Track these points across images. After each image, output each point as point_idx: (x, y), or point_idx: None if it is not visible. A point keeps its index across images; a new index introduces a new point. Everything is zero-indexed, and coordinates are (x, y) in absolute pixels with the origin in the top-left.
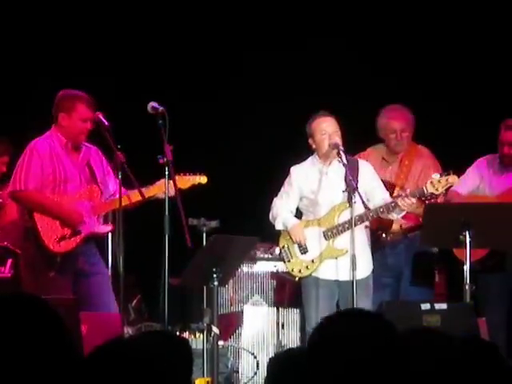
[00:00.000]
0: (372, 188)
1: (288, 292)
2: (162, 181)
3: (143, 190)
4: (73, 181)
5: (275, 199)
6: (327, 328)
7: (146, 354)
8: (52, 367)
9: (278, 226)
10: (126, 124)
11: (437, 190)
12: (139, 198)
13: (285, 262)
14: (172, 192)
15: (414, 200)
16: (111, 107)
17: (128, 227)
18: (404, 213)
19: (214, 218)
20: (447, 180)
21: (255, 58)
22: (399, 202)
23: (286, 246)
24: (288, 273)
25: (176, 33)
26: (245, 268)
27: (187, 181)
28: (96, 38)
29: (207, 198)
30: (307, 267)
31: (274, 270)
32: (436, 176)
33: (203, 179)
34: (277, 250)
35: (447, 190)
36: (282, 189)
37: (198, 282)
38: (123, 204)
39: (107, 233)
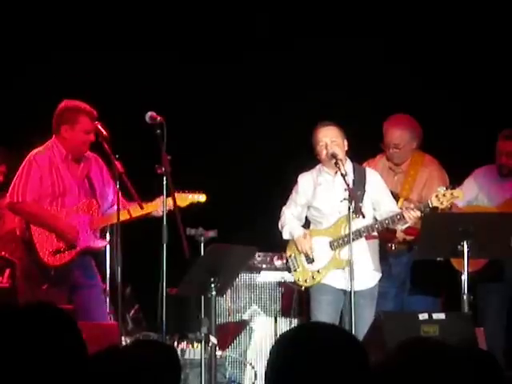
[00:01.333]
0: (379, 199)
1: (296, 301)
2: (160, 198)
3: (144, 204)
4: (71, 194)
5: (284, 208)
6: (288, 343)
7: (135, 363)
8: (67, 371)
9: (285, 236)
10: (125, 134)
11: (441, 203)
12: (139, 213)
13: (291, 271)
14: (170, 205)
15: (419, 213)
16: (109, 117)
17: (126, 237)
18: (408, 225)
19: (212, 228)
20: (452, 194)
21: (254, 65)
22: (405, 214)
23: (292, 255)
24: (294, 282)
25: (173, 41)
26: (243, 278)
27: (186, 199)
28: (94, 47)
29: (205, 207)
30: (313, 277)
31: (281, 280)
32: (441, 189)
33: (202, 198)
34: (276, 261)
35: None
36: (290, 197)
37: (195, 292)
38: (123, 218)
39: (102, 248)
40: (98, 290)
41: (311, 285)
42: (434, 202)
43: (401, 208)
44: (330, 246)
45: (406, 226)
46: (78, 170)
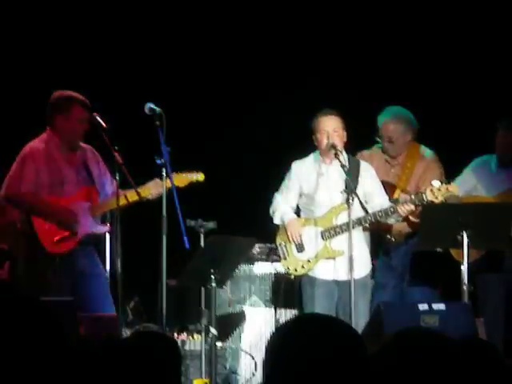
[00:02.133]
0: (372, 191)
1: (283, 291)
2: (155, 180)
3: (139, 189)
4: (70, 182)
5: (276, 193)
6: (286, 331)
7: (136, 355)
8: (48, 367)
9: (276, 221)
10: (124, 125)
11: (436, 198)
12: (136, 197)
13: (280, 259)
14: (160, 189)
15: (413, 207)
16: (108, 108)
17: (125, 228)
18: (401, 219)
19: (212, 219)
20: (447, 189)
21: (253, 54)
22: (399, 208)
23: (282, 243)
24: (285, 273)
25: (173, 33)
26: (243, 269)
27: (184, 179)
28: (93, 39)
29: (205, 199)
30: (303, 266)
31: (274, 271)
32: (436, 184)
33: (201, 176)
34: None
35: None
36: (283, 183)
37: (195, 283)
38: (121, 203)
39: (105, 233)
40: (102, 279)
41: (301, 274)
42: (429, 197)
43: (397, 199)
44: (322, 236)
45: (399, 219)
46: (74, 158)
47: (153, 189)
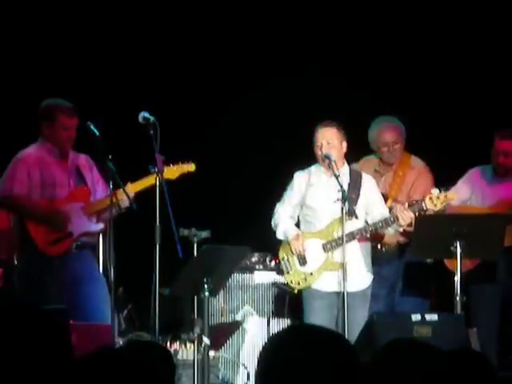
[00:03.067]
0: (373, 201)
1: (288, 304)
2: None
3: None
4: (62, 185)
5: (277, 205)
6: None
7: (129, 364)
8: (50, 371)
9: (279, 235)
10: (117, 134)
11: (435, 205)
12: (123, 195)
13: (283, 273)
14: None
15: (412, 215)
16: (102, 117)
17: (119, 237)
18: (401, 229)
19: (205, 229)
20: (446, 196)
21: (247, 58)
22: (399, 215)
23: (285, 257)
24: (287, 285)
25: (165, 40)
26: (236, 278)
27: (175, 171)
28: (88, 47)
29: (198, 208)
30: (305, 279)
31: (273, 281)
32: (435, 192)
33: (191, 167)
34: (269, 263)
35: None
36: (285, 193)
37: (188, 293)
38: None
39: (99, 231)
40: (99, 284)
41: (304, 287)
42: (428, 205)
43: (390, 208)
44: (324, 249)
45: (400, 229)
46: (66, 163)
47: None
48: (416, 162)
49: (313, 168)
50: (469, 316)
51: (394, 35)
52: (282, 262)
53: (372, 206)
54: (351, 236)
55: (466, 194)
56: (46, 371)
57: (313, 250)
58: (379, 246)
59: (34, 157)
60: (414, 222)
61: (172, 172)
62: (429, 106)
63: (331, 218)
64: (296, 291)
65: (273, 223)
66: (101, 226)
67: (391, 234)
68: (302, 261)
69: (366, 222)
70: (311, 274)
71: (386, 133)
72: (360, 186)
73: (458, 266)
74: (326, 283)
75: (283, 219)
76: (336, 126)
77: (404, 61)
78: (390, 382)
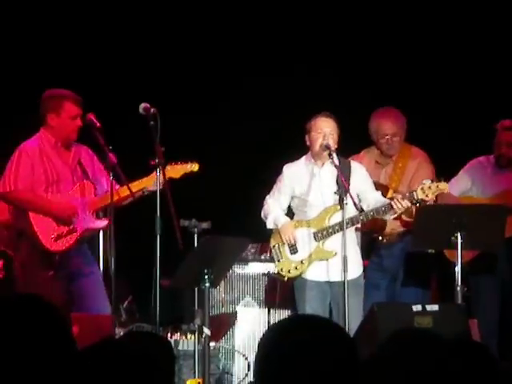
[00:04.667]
0: (364, 189)
1: (279, 293)
2: (152, 175)
3: (132, 184)
4: (65, 180)
5: (267, 197)
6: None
7: (129, 355)
8: (54, 365)
9: (269, 225)
10: (118, 125)
11: (427, 196)
12: (127, 192)
13: (274, 261)
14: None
15: (408, 203)
16: (103, 108)
17: (119, 228)
18: (396, 215)
19: (206, 219)
20: (437, 187)
21: (247, 54)
22: (394, 205)
23: (276, 245)
24: (278, 273)
25: (166, 33)
26: (236, 269)
27: (179, 170)
28: (88, 39)
29: (199, 198)
30: (296, 267)
31: (265, 272)
32: (427, 182)
33: (195, 166)
34: (262, 255)
35: (437, 196)
36: (274, 186)
37: (189, 284)
38: (114, 199)
39: (103, 228)
40: (97, 277)
41: (294, 276)
42: (420, 195)
43: (390, 199)
44: (314, 237)
45: (395, 215)
46: (69, 156)
47: (150, 181)
48: (417, 153)
49: (302, 159)
50: (470, 306)
51: (394, 26)
52: (273, 250)
53: (364, 193)
54: (349, 223)
55: (467, 184)
56: (49, 363)
57: (304, 238)
58: (380, 238)
59: (36, 150)
60: (414, 212)
61: (175, 171)
62: (430, 96)
63: (322, 207)
64: (286, 279)
65: (262, 214)
66: (105, 222)
67: (388, 223)
68: (293, 249)
69: (361, 209)
70: (302, 262)
71: (384, 125)
72: (350, 175)
73: (458, 257)
74: (316, 272)
75: (273, 209)
76: (335, 118)
77: (405, 52)
78: (394, 373)
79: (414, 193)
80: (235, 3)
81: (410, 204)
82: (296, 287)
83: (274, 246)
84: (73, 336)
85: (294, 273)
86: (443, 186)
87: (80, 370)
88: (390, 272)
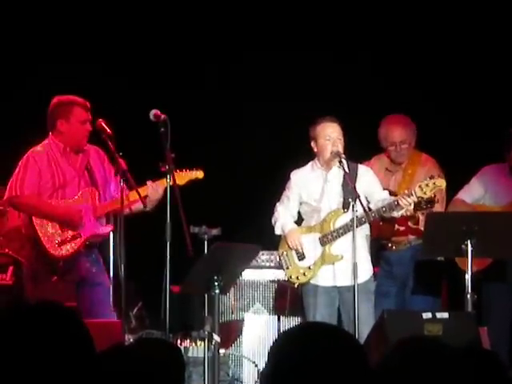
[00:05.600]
0: (372, 191)
1: (289, 300)
2: (148, 183)
3: (140, 189)
4: (72, 185)
5: (277, 204)
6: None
7: (139, 362)
8: (77, 372)
9: (277, 231)
10: (128, 131)
11: (425, 193)
12: (136, 196)
13: (283, 268)
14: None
15: (414, 198)
16: (113, 114)
17: (129, 234)
18: (403, 211)
19: (216, 226)
20: (434, 183)
21: (257, 60)
22: (400, 202)
23: (284, 252)
24: (288, 280)
25: (175, 36)
26: (246, 276)
27: (184, 176)
28: (98, 46)
29: (209, 205)
30: (304, 274)
31: (274, 278)
32: (424, 180)
33: (200, 174)
34: (277, 258)
35: (435, 193)
36: (283, 193)
37: (199, 290)
38: (131, 199)
39: (108, 233)
40: (104, 288)
41: (303, 282)
42: (418, 193)
43: (395, 195)
44: (320, 242)
45: (402, 211)
46: (77, 161)
47: (149, 190)
48: (426, 160)
49: (309, 165)
50: (480, 314)
51: (409, 32)
52: (282, 257)
53: (372, 194)
54: (346, 227)
55: (480, 192)
56: (72, 370)
57: (310, 244)
58: (390, 245)
59: (44, 155)
60: (419, 219)
61: (180, 178)
62: (443, 102)
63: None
64: (296, 286)
65: (273, 221)
66: (109, 228)
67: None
68: (300, 255)
69: (369, 209)
70: (309, 268)
71: (393, 132)
72: (356, 176)
73: (469, 265)
74: (324, 277)
75: (281, 215)
76: (339, 122)
77: (419, 57)
78: (403, 380)
79: (413, 191)
80: (245, 25)
81: (416, 199)
82: (304, 293)
83: (282, 253)
84: (93, 342)
85: (302, 279)
86: (439, 182)
87: (96, 374)
88: (399, 279)
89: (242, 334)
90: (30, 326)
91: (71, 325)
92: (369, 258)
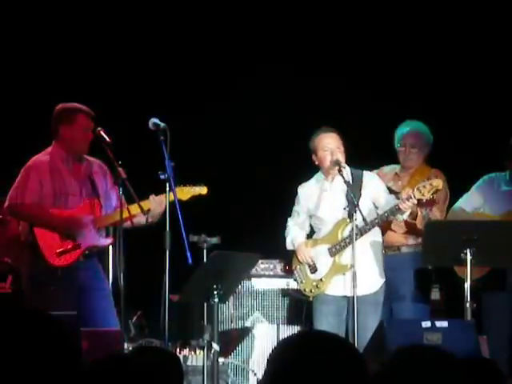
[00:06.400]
0: (378, 196)
1: (305, 313)
2: (151, 196)
3: (142, 203)
4: (74, 194)
5: (288, 219)
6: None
7: (138, 370)
8: (56, 379)
9: (288, 246)
10: (128, 140)
11: (423, 195)
12: (138, 210)
13: (298, 283)
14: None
15: (414, 201)
16: (112, 123)
17: (129, 243)
18: (408, 213)
19: (215, 235)
20: (431, 184)
21: (260, 71)
22: (400, 205)
23: (298, 267)
24: (303, 294)
25: (174, 46)
26: (245, 285)
27: (187, 192)
28: (98, 54)
29: (208, 214)
30: (317, 286)
31: (284, 288)
32: (422, 182)
33: (203, 190)
34: (280, 269)
35: (433, 194)
36: (293, 208)
37: (198, 299)
38: (124, 216)
39: (107, 246)
40: (106, 293)
41: (317, 294)
42: (417, 195)
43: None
44: (329, 253)
45: (407, 213)
46: (79, 170)
47: (152, 204)
48: (436, 175)
49: (313, 178)
50: (480, 323)
51: (415, 42)
52: (295, 272)
53: (378, 199)
54: (358, 234)
55: (479, 201)
56: (56, 378)
57: (320, 256)
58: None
59: (46, 164)
60: (418, 214)
61: (184, 193)
62: (443, 113)
63: (334, 222)
64: (311, 299)
65: (285, 235)
66: (109, 240)
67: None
68: (313, 268)
69: (367, 224)
70: (321, 280)
71: (406, 134)
72: (361, 185)
73: (468, 273)
74: (334, 287)
75: (292, 230)
76: (337, 132)
77: (427, 69)
78: None
79: (412, 194)
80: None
81: (415, 202)
82: (313, 302)
83: (295, 268)
84: (79, 351)
85: (316, 291)
86: (436, 182)
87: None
88: (388, 286)
89: (241, 342)
90: (5, 335)
91: (52, 335)
92: (379, 267)
